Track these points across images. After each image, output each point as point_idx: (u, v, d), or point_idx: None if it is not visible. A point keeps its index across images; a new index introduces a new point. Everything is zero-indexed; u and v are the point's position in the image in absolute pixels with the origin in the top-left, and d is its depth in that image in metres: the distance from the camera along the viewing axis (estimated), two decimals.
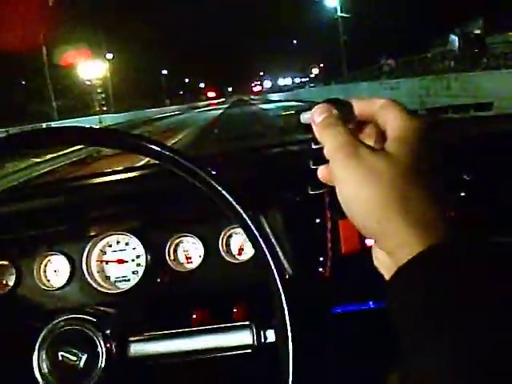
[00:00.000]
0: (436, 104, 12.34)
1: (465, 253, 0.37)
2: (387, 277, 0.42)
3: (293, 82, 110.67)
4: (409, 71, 19.60)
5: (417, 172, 0.40)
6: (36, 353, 0.70)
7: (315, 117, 0.46)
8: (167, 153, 0.60)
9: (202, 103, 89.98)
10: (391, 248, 0.40)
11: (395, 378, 0.39)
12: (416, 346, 0.35)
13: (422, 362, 0.34)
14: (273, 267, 0.58)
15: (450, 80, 12.15)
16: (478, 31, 18.34)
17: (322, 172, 0.50)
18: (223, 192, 0.59)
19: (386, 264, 0.43)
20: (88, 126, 0.69)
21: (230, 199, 0.59)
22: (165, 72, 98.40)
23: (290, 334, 0.55)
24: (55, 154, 11.48)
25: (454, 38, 18.86)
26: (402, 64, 22.53)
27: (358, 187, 0.40)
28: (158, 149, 0.61)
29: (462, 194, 0.79)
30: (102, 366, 0.68)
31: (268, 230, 0.88)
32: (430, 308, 0.35)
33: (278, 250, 0.88)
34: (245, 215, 0.59)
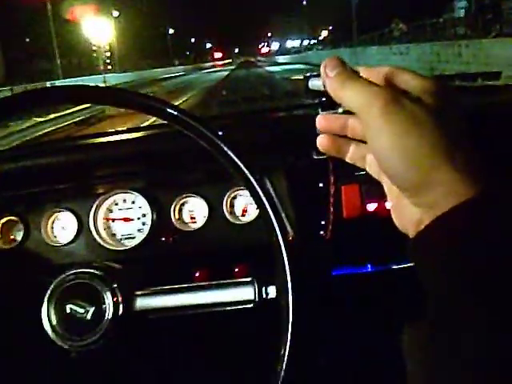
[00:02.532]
0: (446, 71, 12.15)
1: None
2: (413, 233, 0.41)
3: (301, 45, 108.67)
4: (420, 36, 19.18)
5: (456, 122, 0.40)
6: (45, 305, 0.73)
7: (328, 70, 0.44)
8: (174, 112, 0.61)
9: (209, 64, 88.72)
10: (434, 199, 0.38)
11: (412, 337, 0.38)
12: (459, 302, 0.34)
13: (466, 325, 0.33)
14: (276, 228, 0.59)
15: (461, 46, 11.91)
16: None
17: (322, 141, 0.49)
18: (229, 153, 0.60)
19: (414, 219, 0.41)
20: (94, 84, 0.69)
21: (237, 161, 0.60)
22: (171, 31, 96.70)
23: (290, 290, 0.57)
24: (59, 114, 11.41)
25: (460, 5, 18.33)
26: (414, 29, 22.03)
27: (401, 136, 0.38)
28: (165, 108, 0.61)
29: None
30: (109, 318, 0.71)
31: (272, 192, 0.90)
32: (483, 257, 0.34)
33: (281, 212, 0.90)
34: (251, 177, 0.60)
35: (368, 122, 0.40)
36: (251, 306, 0.69)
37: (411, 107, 0.39)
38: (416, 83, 0.41)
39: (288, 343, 0.56)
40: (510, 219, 0.35)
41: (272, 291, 0.68)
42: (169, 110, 0.61)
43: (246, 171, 0.60)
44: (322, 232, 0.93)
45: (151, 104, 0.62)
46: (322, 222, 0.92)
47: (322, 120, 0.49)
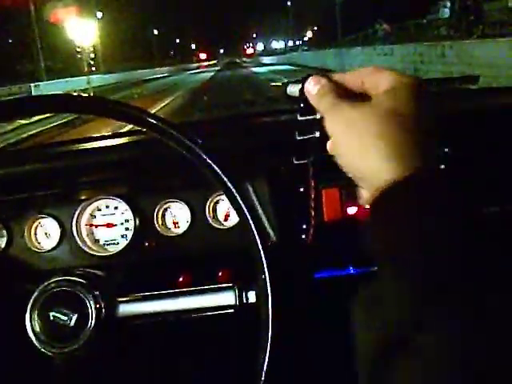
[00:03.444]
0: (430, 71, 12.27)
1: (435, 180, 0.41)
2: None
3: (286, 45, 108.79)
4: (404, 37, 19.34)
5: (394, 115, 0.43)
6: (28, 313, 0.73)
7: (310, 88, 0.49)
8: (152, 120, 0.62)
9: (194, 65, 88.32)
10: (368, 182, 0.44)
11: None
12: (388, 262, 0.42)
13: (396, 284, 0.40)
14: (255, 233, 0.60)
15: (445, 47, 12.03)
16: None
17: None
18: (208, 160, 0.61)
19: (367, 200, 0.46)
20: (74, 93, 0.70)
21: (215, 167, 0.61)
22: (156, 32, 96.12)
23: (270, 295, 0.58)
24: (42, 116, 11.27)
25: (445, 7, 18.56)
26: (398, 30, 22.22)
27: (341, 135, 0.46)
28: (143, 116, 0.62)
29: (442, 167, 0.82)
30: (92, 325, 0.72)
31: (253, 197, 0.91)
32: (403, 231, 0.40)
33: (261, 216, 0.91)
34: (229, 183, 0.61)
35: (326, 126, 0.48)
36: (232, 310, 0.70)
37: (348, 111, 0.46)
38: (387, 82, 0.46)
39: (268, 348, 0.57)
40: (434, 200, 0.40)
41: (252, 296, 0.69)
42: (146, 118, 0.61)
43: (224, 177, 0.61)
44: (303, 236, 0.94)
45: (129, 112, 0.62)
46: (304, 226, 0.94)
47: None
